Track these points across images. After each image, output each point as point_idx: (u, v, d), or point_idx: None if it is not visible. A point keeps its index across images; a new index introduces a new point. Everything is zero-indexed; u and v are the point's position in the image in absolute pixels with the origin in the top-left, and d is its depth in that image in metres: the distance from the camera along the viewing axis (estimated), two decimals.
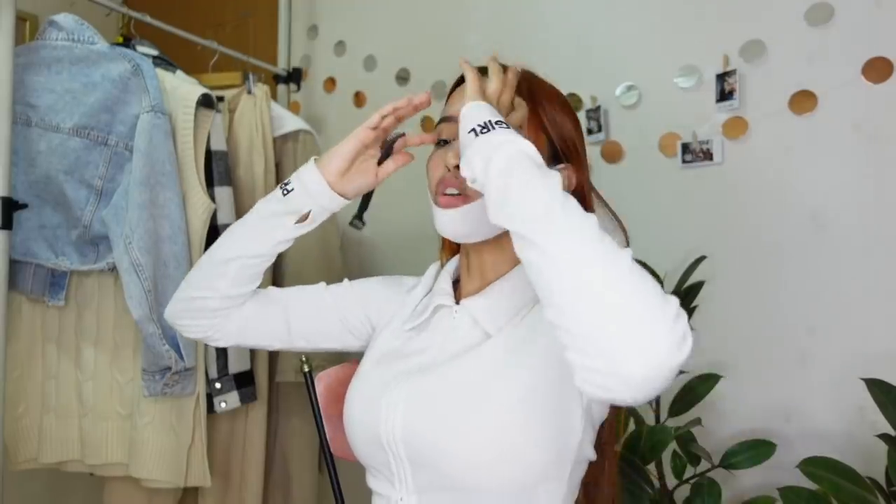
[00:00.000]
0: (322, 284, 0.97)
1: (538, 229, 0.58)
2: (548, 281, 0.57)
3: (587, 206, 0.84)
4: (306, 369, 1.14)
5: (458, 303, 0.84)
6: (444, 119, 0.83)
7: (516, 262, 0.80)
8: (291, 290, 0.96)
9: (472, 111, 0.69)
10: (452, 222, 0.78)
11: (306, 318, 0.93)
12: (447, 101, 0.86)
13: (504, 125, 0.67)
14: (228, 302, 0.88)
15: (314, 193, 0.82)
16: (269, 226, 0.84)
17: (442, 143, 0.82)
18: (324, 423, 1.09)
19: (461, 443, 0.71)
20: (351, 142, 0.84)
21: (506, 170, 0.63)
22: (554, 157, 0.81)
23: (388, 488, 0.78)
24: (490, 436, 0.70)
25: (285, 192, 0.83)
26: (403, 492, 0.76)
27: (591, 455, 0.77)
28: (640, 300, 0.55)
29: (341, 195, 0.83)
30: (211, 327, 0.91)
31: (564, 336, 0.56)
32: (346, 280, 0.98)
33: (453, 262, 0.91)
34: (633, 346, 0.53)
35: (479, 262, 0.83)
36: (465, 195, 0.77)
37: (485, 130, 0.66)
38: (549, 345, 0.72)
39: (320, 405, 1.09)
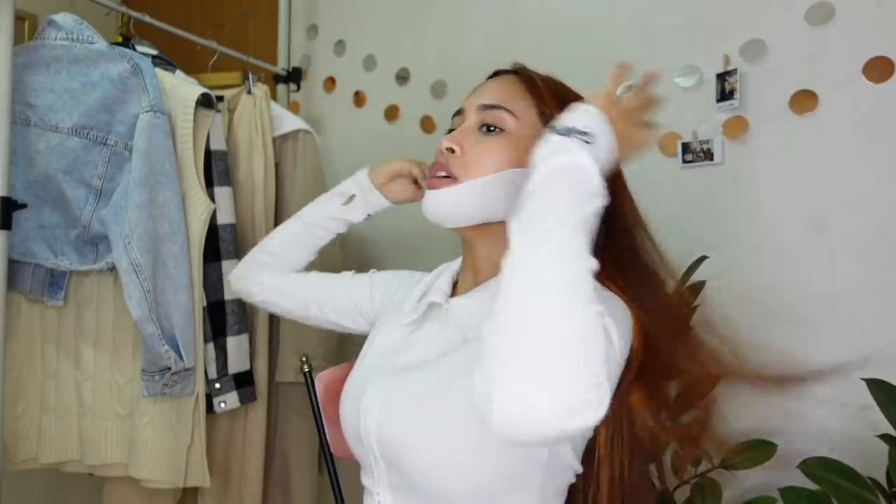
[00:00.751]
0: (351, 272, 1.08)
1: (530, 239, 0.57)
2: (505, 290, 0.55)
3: (624, 233, 0.80)
4: (306, 369, 1.14)
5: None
6: (457, 112, 0.83)
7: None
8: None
9: (575, 112, 0.67)
10: (433, 202, 0.78)
11: (323, 290, 1.05)
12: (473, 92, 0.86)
13: (585, 138, 0.64)
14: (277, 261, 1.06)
15: (359, 182, 1.03)
16: (322, 202, 1.06)
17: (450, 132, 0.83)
18: (323, 423, 1.09)
19: (422, 446, 0.70)
20: (394, 164, 1.01)
21: (547, 175, 0.61)
22: None
23: (371, 483, 0.79)
24: (449, 442, 0.69)
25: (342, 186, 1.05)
26: (381, 488, 0.77)
27: (575, 465, 0.73)
28: (567, 353, 0.51)
29: (384, 195, 1.02)
30: (257, 283, 1.07)
31: (482, 346, 0.55)
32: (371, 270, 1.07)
33: (458, 261, 0.91)
34: (525, 386, 0.50)
35: (472, 256, 0.82)
36: (452, 177, 0.77)
37: (561, 133, 0.64)
38: None
39: (320, 405, 1.09)
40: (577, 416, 0.50)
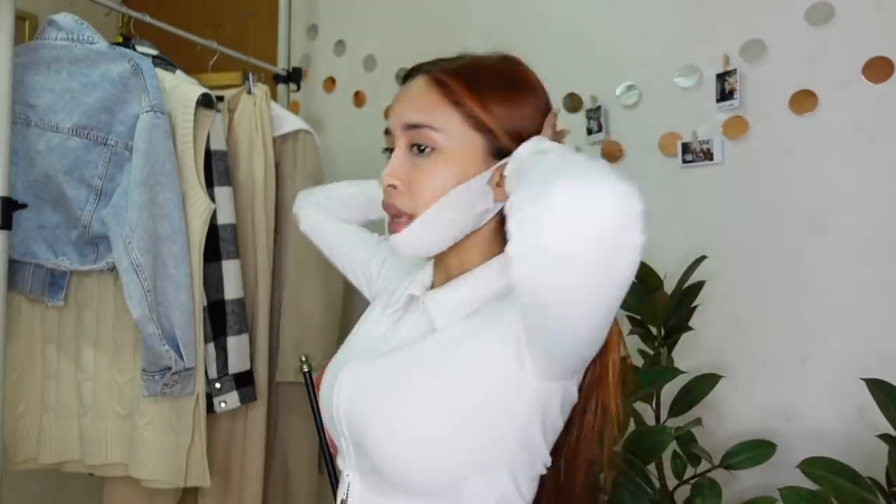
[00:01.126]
0: (378, 236, 1.09)
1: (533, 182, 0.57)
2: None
3: None
4: (306, 369, 1.14)
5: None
6: (386, 131, 0.79)
7: (479, 262, 0.77)
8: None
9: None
10: (399, 247, 0.75)
11: (351, 246, 1.09)
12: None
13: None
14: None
15: None
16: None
17: (389, 153, 0.78)
18: (323, 422, 1.09)
19: (380, 431, 0.70)
20: None
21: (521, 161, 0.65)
22: (499, 153, 0.73)
23: (343, 465, 0.79)
24: (404, 431, 0.68)
25: None
26: (350, 470, 0.77)
27: (545, 454, 0.71)
28: (594, 174, 0.53)
29: None
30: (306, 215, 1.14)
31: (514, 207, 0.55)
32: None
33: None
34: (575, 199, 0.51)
35: (444, 264, 0.81)
36: (405, 216, 0.74)
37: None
38: (489, 345, 0.68)
39: (319, 404, 1.10)
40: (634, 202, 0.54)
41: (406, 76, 0.79)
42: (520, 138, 0.71)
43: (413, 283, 0.84)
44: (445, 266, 0.81)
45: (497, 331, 0.67)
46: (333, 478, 1.11)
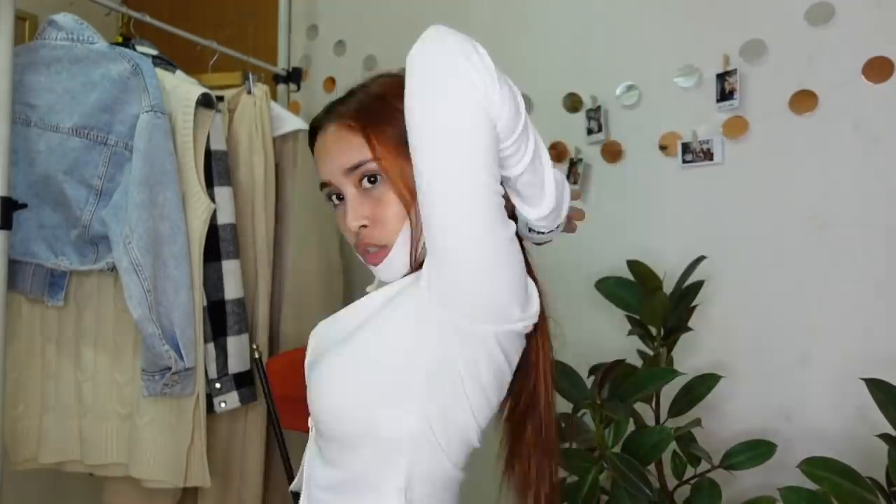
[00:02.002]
0: None
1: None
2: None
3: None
4: (257, 356, 1.34)
5: None
6: (323, 185, 0.80)
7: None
8: None
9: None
10: (383, 276, 0.79)
11: None
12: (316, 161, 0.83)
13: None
14: None
15: None
16: None
17: (336, 198, 0.80)
18: (275, 401, 1.31)
19: (319, 383, 0.75)
20: None
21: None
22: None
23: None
24: (335, 377, 0.74)
25: None
26: (311, 441, 0.82)
27: (470, 405, 0.71)
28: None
29: None
30: None
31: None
32: None
33: None
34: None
35: None
36: (382, 246, 0.76)
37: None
38: (409, 290, 0.73)
39: (272, 386, 1.32)
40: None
41: (312, 134, 0.82)
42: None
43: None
44: None
45: (417, 280, 0.72)
46: (283, 449, 1.32)
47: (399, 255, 0.76)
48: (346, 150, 0.76)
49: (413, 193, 0.71)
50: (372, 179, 0.75)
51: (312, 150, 0.82)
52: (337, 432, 0.74)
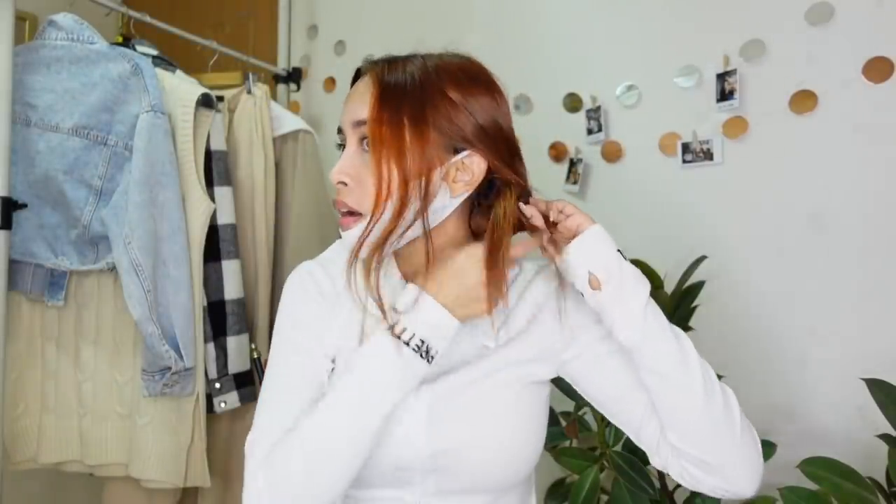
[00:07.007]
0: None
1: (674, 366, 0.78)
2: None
3: (510, 195, 0.77)
4: (256, 356, 1.31)
5: None
6: (339, 129, 0.80)
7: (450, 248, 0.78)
8: None
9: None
10: (350, 240, 0.75)
11: None
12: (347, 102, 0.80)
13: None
14: None
15: None
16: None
17: (342, 150, 0.78)
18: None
19: (481, 456, 0.76)
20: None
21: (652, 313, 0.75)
22: (454, 150, 0.74)
23: (400, 493, 0.77)
24: (510, 449, 0.78)
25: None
26: (422, 497, 0.76)
27: None
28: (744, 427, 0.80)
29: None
30: None
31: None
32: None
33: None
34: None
35: (408, 260, 0.83)
36: (355, 212, 0.74)
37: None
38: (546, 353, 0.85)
39: None
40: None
41: (356, 74, 0.80)
42: (464, 138, 0.73)
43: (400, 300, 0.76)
44: (409, 261, 0.81)
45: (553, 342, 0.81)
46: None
47: (369, 234, 0.72)
48: (362, 105, 0.74)
49: (390, 190, 0.70)
50: (369, 144, 0.73)
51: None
52: (495, 482, 0.77)
